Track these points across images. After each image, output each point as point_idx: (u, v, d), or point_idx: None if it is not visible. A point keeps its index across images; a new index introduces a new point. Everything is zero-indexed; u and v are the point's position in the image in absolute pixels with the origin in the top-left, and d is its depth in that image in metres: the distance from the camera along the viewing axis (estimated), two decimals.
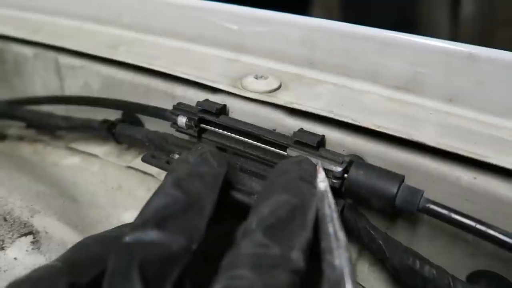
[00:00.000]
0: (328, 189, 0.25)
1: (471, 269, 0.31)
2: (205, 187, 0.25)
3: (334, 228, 0.21)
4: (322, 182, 0.26)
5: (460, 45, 0.33)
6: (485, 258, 0.29)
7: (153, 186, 0.40)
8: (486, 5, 1.38)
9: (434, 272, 0.29)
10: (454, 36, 1.41)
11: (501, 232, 0.26)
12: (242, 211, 0.34)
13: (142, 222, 0.22)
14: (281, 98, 0.35)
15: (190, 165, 0.26)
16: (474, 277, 0.30)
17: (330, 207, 0.23)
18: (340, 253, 0.20)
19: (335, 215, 0.23)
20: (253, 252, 0.19)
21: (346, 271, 0.19)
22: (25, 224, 0.30)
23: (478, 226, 0.26)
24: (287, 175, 0.25)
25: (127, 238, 0.20)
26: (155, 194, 0.24)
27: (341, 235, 0.21)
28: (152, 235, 0.21)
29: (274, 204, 0.22)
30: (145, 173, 0.41)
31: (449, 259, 0.31)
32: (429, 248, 0.32)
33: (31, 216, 0.31)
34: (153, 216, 0.22)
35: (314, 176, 0.26)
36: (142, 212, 0.23)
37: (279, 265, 0.19)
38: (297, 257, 0.19)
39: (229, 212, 0.35)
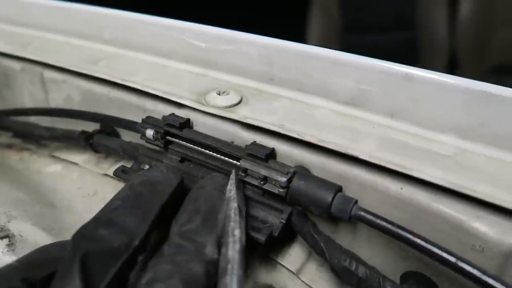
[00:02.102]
0: (234, 195, 0.30)
1: (403, 270, 0.34)
2: (154, 192, 0.29)
3: (233, 227, 0.26)
4: (230, 190, 0.31)
5: (397, 65, 0.36)
6: (413, 260, 0.33)
7: None
8: (484, 6, 1.40)
9: (368, 272, 0.32)
10: (451, 38, 1.43)
11: (418, 237, 0.29)
12: None
13: (93, 220, 0.26)
14: (239, 113, 0.39)
15: (145, 176, 0.31)
16: (404, 277, 0.33)
17: (233, 210, 0.28)
18: (233, 246, 0.24)
19: (237, 217, 0.27)
20: (172, 252, 0.23)
21: (235, 260, 0.23)
22: (2, 228, 0.33)
23: (400, 232, 0.29)
24: (201, 189, 0.30)
25: (76, 234, 0.24)
26: (112, 198, 0.28)
27: (238, 232, 0.25)
28: (98, 232, 0.24)
29: (188, 212, 0.27)
30: (119, 180, 0.45)
31: (384, 260, 0.34)
32: (368, 250, 0.35)
33: (8, 221, 0.34)
34: (103, 215, 0.26)
35: (224, 185, 0.31)
36: (99, 212, 0.27)
37: (194, 259, 0.23)
38: (210, 251, 0.24)
39: None
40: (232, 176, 0.33)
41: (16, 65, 0.54)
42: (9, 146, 0.53)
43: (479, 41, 1.44)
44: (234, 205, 0.28)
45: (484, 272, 0.26)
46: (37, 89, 0.53)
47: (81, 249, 0.23)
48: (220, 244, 0.25)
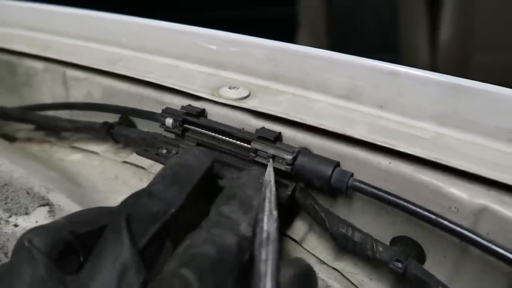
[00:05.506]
0: (273, 180, 0.34)
1: (393, 235, 0.39)
2: (189, 171, 0.34)
3: (270, 207, 0.30)
4: (268, 175, 0.35)
5: (384, 63, 0.42)
6: (401, 225, 0.38)
7: (145, 177, 0.48)
8: (463, 30, 1.50)
9: (362, 237, 0.37)
10: (432, 61, 1.53)
11: (405, 200, 0.34)
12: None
13: (136, 193, 0.30)
14: (249, 104, 0.44)
15: (180, 159, 0.35)
16: (394, 241, 0.39)
17: (271, 191, 0.32)
18: (270, 222, 0.28)
19: (273, 197, 0.31)
20: (209, 225, 0.28)
21: (272, 234, 0.27)
22: (43, 197, 0.38)
23: (390, 197, 0.35)
24: (238, 180, 0.35)
25: (121, 203, 0.29)
26: (154, 176, 0.33)
27: (275, 213, 0.29)
28: (140, 201, 0.29)
29: (226, 197, 0.31)
30: (137, 166, 0.49)
31: (376, 227, 0.40)
32: (362, 220, 0.40)
33: (47, 193, 0.39)
34: (145, 189, 0.30)
35: (260, 176, 0.35)
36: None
37: (228, 232, 0.27)
38: (245, 228, 0.28)
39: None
40: (270, 164, 0.38)
41: (38, 65, 0.59)
42: (29, 140, 0.57)
43: (458, 64, 1.54)
44: (272, 188, 0.33)
45: (459, 225, 0.32)
46: (58, 87, 0.58)
47: (125, 211, 0.27)
48: (255, 222, 0.29)
